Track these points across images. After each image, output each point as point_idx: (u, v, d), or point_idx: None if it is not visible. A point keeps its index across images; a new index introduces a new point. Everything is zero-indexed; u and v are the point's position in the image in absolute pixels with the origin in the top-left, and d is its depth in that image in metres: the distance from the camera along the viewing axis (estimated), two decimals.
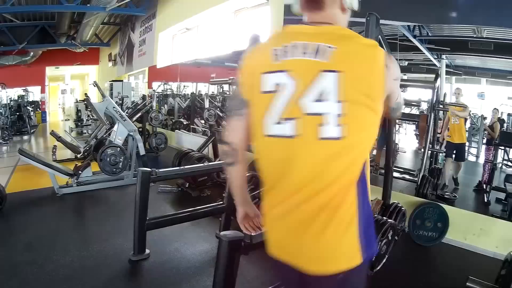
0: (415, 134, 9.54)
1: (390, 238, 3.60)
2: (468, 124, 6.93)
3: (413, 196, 5.23)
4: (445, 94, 6.68)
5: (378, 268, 3.54)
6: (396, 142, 6.72)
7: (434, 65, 7.51)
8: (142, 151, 6.94)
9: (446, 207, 4.61)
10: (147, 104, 11.06)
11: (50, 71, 21.45)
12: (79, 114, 16.72)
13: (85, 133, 14.30)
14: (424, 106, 7.43)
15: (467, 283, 3.01)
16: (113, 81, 16.81)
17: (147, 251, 3.96)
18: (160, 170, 4.15)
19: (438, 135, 6.83)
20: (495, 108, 7.12)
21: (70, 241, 4.32)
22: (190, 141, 10.01)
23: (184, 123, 12.08)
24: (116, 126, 6.90)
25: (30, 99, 19.15)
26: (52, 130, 9.70)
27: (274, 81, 1.35)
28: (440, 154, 6.84)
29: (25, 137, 14.54)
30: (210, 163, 6.21)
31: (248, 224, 1.77)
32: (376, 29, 3.64)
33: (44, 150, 11.46)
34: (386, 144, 4.74)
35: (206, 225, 4.71)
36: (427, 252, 4.42)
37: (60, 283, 3.42)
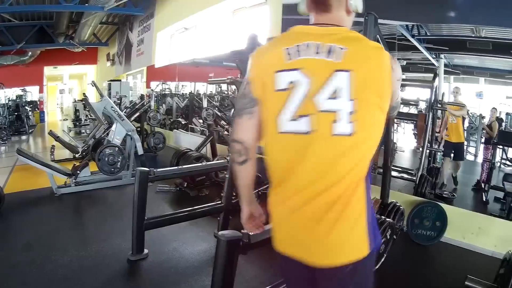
0: (414, 134, 9.54)
1: (388, 237, 3.60)
2: (466, 123, 6.93)
3: (412, 195, 5.24)
4: (443, 94, 6.68)
5: (377, 267, 3.53)
6: (394, 141, 6.73)
7: (433, 64, 7.52)
8: (140, 151, 6.94)
9: (444, 206, 4.61)
10: (145, 103, 11.06)
11: (48, 70, 21.46)
12: (77, 114, 16.74)
13: (83, 133, 14.27)
14: (423, 106, 7.43)
15: (465, 282, 3.01)
16: (111, 80, 16.83)
17: (146, 251, 3.96)
18: (158, 169, 4.15)
19: (436, 134, 6.84)
20: (493, 108, 7.13)
21: (69, 241, 4.31)
22: (188, 140, 9.99)
23: (182, 122, 12.09)
24: (114, 126, 6.88)
25: (28, 99, 19.09)
26: (50, 130, 9.67)
27: (288, 79, 1.40)
28: (438, 153, 6.85)
29: (24, 137, 14.53)
30: (208, 163, 6.21)
31: (253, 224, 1.78)
32: (374, 28, 3.64)
33: (42, 150, 11.44)
34: (384, 143, 4.73)
35: (205, 224, 4.71)
36: (426, 251, 4.41)
37: (58, 283, 3.41)
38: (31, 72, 19.22)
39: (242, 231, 2.40)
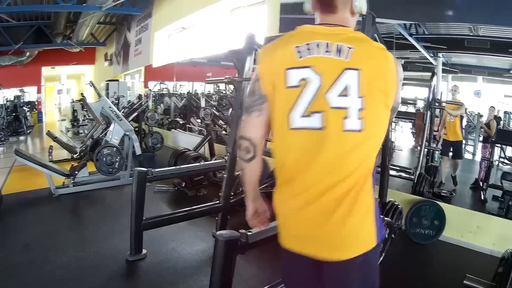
0: (412, 132, 9.58)
1: (386, 236, 3.59)
2: (464, 122, 6.94)
3: (410, 194, 5.24)
4: (441, 92, 6.68)
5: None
6: (392, 140, 6.73)
7: (431, 63, 7.54)
8: (138, 151, 6.94)
9: (442, 205, 4.62)
10: (143, 103, 11.04)
11: (46, 71, 21.42)
12: (75, 114, 16.69)
13: (81, 133, 14.24)
14: (421, 104, 7.44)
15: (464, 281, 3.01)
16: (109, 80, 16.78)
17: (144, 251, 3.95)
18: (156, 169, 4.14)
19: (435, 133, 6.84)
20: (491, 106, 7.14)
21: (67, 241, 4.31)
22: (186, 140, 10.00)
23: (180, 122, 12.07)
24: (112, 126, 6.87)
25: (26, 100, 19.12)
26: (48, 131, 9.68)
27: (300, 76, 1.43)
28: (437, 152, 6.85)
29: (22, 138, 14.48)
30: (206, 163, 6.21)
31: (257, 220, 1.80)
32: (372, 27, 3.64)
33: (40, 151, 11.41)
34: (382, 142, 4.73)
35: (203, 224, 4.71)
36: (424, 250, 4.42)
37: (57, 283, 3.41)
38: (29, 72, 19.18)
39: (240, 231, 2.40)
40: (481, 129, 7.70)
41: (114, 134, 6.71)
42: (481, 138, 7.81)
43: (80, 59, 20.40)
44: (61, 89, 25.24)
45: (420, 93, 7.17)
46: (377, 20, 3.78)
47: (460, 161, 6.76)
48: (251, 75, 4.08)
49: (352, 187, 1.42)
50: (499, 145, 6.61)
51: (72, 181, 6.16)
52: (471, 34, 6.12)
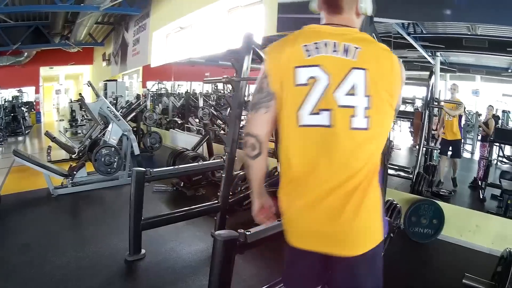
0: (410, 131, 9.58)
1: (385, 235, 3.59)
2: (463, 121, 6.95)
3: (408, 193, 5.24)
4: (439, 91, 6.68)
5: None
6: (390, 139, 6.73)
7: (429, 62, 7.53)
8: (136, 151, 6.93)
9: (441, 204, 4.62)
10: (141, 103, 11.03)
11: (44, 71, 21.35)
12: (74, 114, 16.67)
13: (79, 133, 14.22)
14: (419, 104, 7.44)
15: (463, 280, 3.01)
16: (107, 80, 16.80)
17: (143, 251, 3.94)
18: (155, 169, 4.14)
19: (433, 132, 6.85)
20: (489, 105, 7.15)
21: (66, 242, 4.30)
22: (184, 140, 10.01)
23: (179, 122, 12.06)
24: (110, 126, 6.87)
25: (25, 100, 19.08)
26: (47, 131, 9.67)
27: (308, 74, 1.46)
28: (435, 151, 6.86)
29: (20, 138, 14.47)
30: (204, 162, 6.20)
31: (264, 215, 1.81)
32: (370, 26, 3.63)
33: (39, 151, 11.41)
34: None
35: (201, 224, 4.70)
36: (423, 249, 4.43)
37: (56, 284, 3.40)
38: (27, 72, 19.13)
39: (238, 230, 2.40)
40: (480, 128, 7.71)
41: (113, 134, 6.71)
42: (479, 137, 7.81)
43: (78, 59, 20.36)
44: (59, 89, 25.16)
45: (418, 92, 7.19)
46: (375, 19, 3.78)
47: (459, 160, 6.77)
48: (249, 75, 4.08)
49: (361, 183, 1.46)
50: (497, 144, 6.61)
51: (70, 181, 6.16)
52: (469, 33, 6.11)
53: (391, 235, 3.76)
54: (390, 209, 4.23)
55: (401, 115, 8.03)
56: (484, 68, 7.91)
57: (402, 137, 10.03)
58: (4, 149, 11.87)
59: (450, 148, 6.66)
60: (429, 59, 7.47)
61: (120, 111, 9.57)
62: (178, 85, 15.71)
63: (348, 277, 1.58)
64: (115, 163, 6.45)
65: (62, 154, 9.27)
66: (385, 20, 5.26)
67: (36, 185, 6.36)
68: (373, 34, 3.70)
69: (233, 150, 4.02)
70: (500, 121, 7.96)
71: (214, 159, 6.62)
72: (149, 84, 14.81)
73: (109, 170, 6.41)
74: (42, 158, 7.49)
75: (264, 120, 1.57)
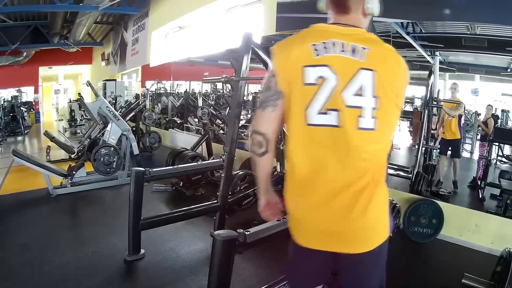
0: (409, 131, 9.58)
1: None
2: (462, 121, 6.95)
3: (408, 193, 5.23)
4: (438, 91, 6.68)
5: None
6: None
7: (428, 61, 7.54)
8: (135, 151, 6.92)
9: (440, 203, 4.62)
10: (140, 103, 11.02)
11: (43, 71, 21.32)
12: (73, 114, 16.66)
13: (78, 133, 14.20)
14: (418, 103, 7.45)
15: (462, 280, 3.01)
16: (106, 80, 16.77)
17: (142, 251, 3.94)
18: (154, 169, 4.13)
19: (433, 131, 6.85)
20: (489, 104, 7.15)
21: (66, 241, 4.29)
22: (183, 140, 10.00)
23: (178, 121, 12.05)
24: (109, 126, 6.86)
25: (24, 100, 19.05)
26: (46, 131, 9.66)
27: (317, 74, 1.47)
28: (434, 150, 6.86)
29: (19, 138, 14.46)
30: (203, 162, 6.19)
31: (270, 212, 1.82)
32: (369, 26, 3.64)
33: (38, 151, 11.40)
34: None
35: (201, 224, 4.70)
36: (422, 248, 4.42)
37: (56, 284, 3.39)
38: (26, 72, 19.09)
39: (238, 230, 2.40)
40: (479, 128, 7.71)
41: (112, 134, 6.71)
42: (478, 137, 7.81)
43: (77, 59, 20.35)
44: (59, 89, 25.14)
45: (417, 92, 7.19)
46: (374, 18, 3.78)
47: (459, 160, 6.76)
48: (248, 74, 4.08)
49: (369, 183, 1.48)
50: (496, 143, 6.62)
51: (70, 181, 6.15)
52: (468, 32, 6.12)
53: (390, 235, 3.75)
54: (389, 208, 4.22)
55: (401, 114, 8.03)
56: (483, 67, 7.93)
57: (402, 136, 10.03)
58: (3, 149, 11.87)
59: (450, 148, 6.66)
60: (428, 58, 7.48)
61: (119, 111, 9.58)
62: (177, 84, 15.71)
63: (354, 274, 1.62)
64: (114, 163, 6.44)
65: (61, 154, 9.26)
66: (384, 20, 5.25)
67: (35, 185, 6.36)
68: (372, 33, 3.72)
69: (232, 150, 4.00)
70: (499, 121, 7.97)
71: (213, 159, 6.61)
72: (148, 83, 14.80)
73: (108, 170, 6.40)
74: (41, 158, 7.48)
75: (271, 118, 1.58)
